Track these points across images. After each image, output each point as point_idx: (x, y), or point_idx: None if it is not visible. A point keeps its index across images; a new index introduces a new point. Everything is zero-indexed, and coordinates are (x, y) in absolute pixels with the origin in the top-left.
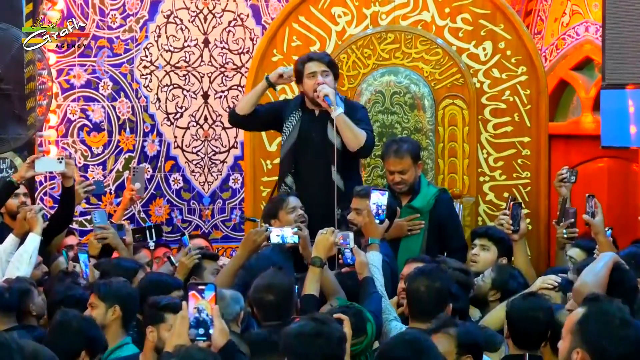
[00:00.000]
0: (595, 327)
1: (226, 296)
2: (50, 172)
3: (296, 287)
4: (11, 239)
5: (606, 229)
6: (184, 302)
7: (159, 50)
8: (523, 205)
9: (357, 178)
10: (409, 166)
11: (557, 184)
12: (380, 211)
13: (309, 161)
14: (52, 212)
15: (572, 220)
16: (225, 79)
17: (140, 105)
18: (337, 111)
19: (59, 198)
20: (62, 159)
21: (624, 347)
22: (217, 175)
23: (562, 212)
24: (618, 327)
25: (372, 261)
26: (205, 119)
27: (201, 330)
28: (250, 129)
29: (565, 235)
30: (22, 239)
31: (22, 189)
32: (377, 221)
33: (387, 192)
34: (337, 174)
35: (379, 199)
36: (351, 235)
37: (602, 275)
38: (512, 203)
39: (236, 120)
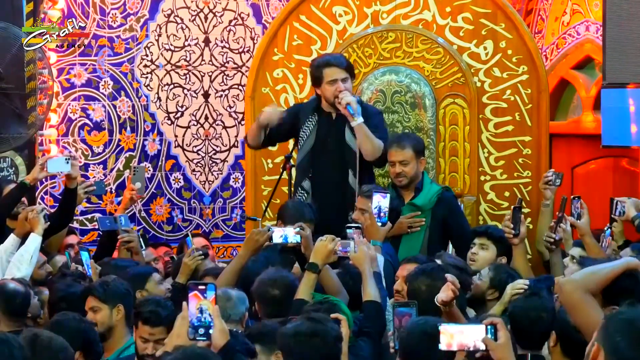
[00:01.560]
0: (616, 325)
1: (232, 296)
2: (61, 173)
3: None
4: (12, 238)
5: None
6: (184, 303)
7: (159, 49)
8: (524, 205)
9: (371, 179)
10: (410, 158)
11: (542, 186)
12: (382, 213)
13: (325, 164)
14: (52, 211)
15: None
16: (226, 78)
17: (141, 105)
18: (358, 120)
19: (59, 197)
20: (69, 159)
21: (636, 352)
22: (217, 174)
23: (560, 213)
24: (638, 333)
25: None
26: (206, 118)
27: (202, 330)
28: (274, 145)
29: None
30: (23, 239)
31: None
32: (379, 223)
33: (388, 194)
34: (355, 178)
35: (380, 201)
36: (352, 243)
37: (599, 278)
38: (513, 207)
39: (254, 148)
